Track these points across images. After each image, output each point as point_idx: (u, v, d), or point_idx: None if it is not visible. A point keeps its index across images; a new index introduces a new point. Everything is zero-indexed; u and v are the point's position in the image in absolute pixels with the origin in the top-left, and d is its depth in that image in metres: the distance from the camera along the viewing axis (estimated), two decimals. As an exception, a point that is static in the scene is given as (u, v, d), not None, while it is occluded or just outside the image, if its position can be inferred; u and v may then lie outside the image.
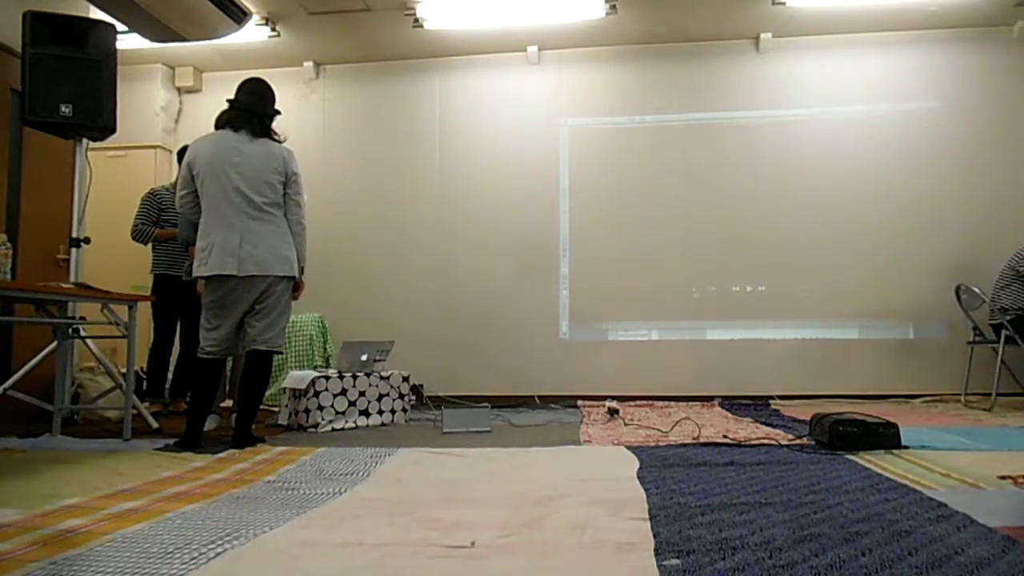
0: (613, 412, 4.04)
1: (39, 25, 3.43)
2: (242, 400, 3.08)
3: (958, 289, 4.64)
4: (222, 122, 3.08)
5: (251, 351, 3.05)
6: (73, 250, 3.66)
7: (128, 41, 4.61)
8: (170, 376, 4.27)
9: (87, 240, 3.72)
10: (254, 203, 2.99)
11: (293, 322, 4.98)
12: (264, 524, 1.75)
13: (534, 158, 5.35)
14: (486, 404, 3.96)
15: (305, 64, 5.50)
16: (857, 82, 5.13)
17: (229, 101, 3.08)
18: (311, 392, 3.73)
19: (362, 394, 3.87)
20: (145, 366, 4.25)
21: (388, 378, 4.01)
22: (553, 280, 5.28)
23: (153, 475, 2.42)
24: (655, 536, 1.60)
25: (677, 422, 3.65)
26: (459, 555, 1.51)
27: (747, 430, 3.42)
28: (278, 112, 3.16)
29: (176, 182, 4.06)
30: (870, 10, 4.82)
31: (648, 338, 5.20)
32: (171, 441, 3.09)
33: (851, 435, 2.78)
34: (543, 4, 4.75)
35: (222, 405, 3.74)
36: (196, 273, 3.00)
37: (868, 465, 2.46)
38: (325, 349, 5.04)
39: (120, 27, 3.82)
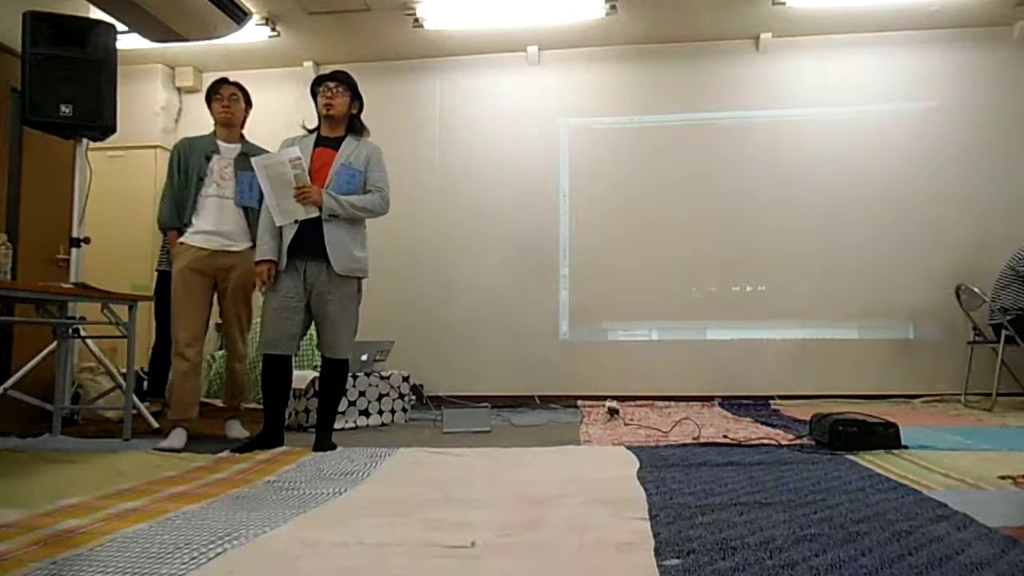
0: (613, 412, 4.04)
1: (39, 25, 3.43)
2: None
3: (958, 289, 4.64)
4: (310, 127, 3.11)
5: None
6: (73, 250, 3.65)
7: (128, 41, 4.60)
8: (171, 376, 4.26)
9: (87, 240, 3.71)
10: None
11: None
12: (264, 524, 1.75)
13: (534, 158, 5.34)
14: (486, 404, 3.96)
15: (305, 64, 5.49)
16: (857, 82, 5.13)
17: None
18: (311, 392, 3.73)
19: (362, 394, 3.87)
20: (146, 366, 4.25)
21: (388, 378, 4.01)
22: (553, 280, 5.28)
23: (153, 475, 2.42)
24: (655, 536, 1.60)
25: (677, 422, 3.65)
26: (459, 555, 1.51)
27: (747, 430, 3.42)
28: None
29: None
30: (870, 10, 4.82)
31: (648, 338, 5.20)
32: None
33: (851, 435, 2.78)
34: (543, 4, 4.74)
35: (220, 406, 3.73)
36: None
37: (868, 465, 2.46)
38: (325, 349, 5.03)
39: (120, 27, 3.81)
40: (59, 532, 1.67)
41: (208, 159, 3.21)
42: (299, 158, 2.85)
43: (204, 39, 4.60)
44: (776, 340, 5.05)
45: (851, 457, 2.61)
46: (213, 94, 3.28)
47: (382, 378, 3.97)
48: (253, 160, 2.92)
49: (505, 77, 5.45)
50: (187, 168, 3.21)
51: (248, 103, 3.36)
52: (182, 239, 3.20)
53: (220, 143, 3.26)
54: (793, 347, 5.03)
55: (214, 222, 3.19)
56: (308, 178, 2.87)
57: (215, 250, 3.18)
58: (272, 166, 2.85)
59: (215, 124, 3.32)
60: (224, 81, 3.31)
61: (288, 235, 2.93)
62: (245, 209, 3.23)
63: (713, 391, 4.92)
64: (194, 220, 3.19)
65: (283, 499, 2.05)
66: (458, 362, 5.24)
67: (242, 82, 3.37)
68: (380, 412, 3.94)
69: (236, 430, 3.36)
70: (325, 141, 3.03)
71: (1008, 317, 4.28)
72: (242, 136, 3.34)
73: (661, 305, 5.16)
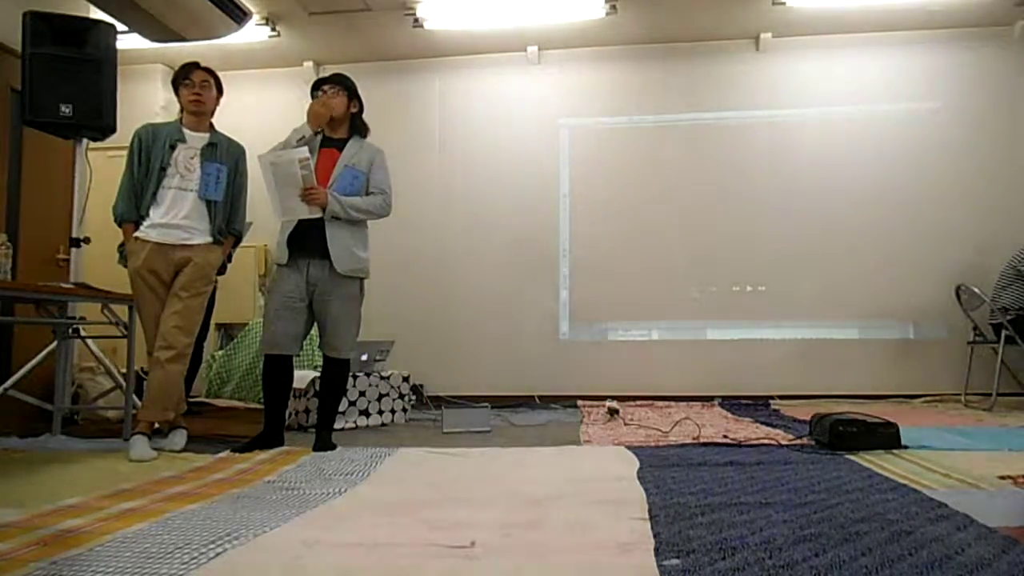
0: (613, 412, 4.04)
1: (39, 25, 3.43)
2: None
3: (958, 289, 4.64)
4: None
5: None
6: (73, 250, 3.65)
7: (128, 41, 4.60)
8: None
9: (87, 240, 3.71)
10: None
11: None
12: (264, 524, 1.75)
13: (534, 158, 5.34)
14: (486, 404, 3.95)
15: (305, 64, 5.48)
16: (857, 82, 5.13)
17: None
18: (311, 392, 3.73)
19: (362, 394, 3.87)
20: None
21: (388, 378, 4.01)
22: (553, 280, 5.28)
23: (153, 475, 2.42)
24: (655, 536, 1.60)
25: (677, 422, 3.65)
26: (459, 555, 1.51)
27: (747, 430, 3.42)
28: None
29: None
30: (870, 10, 4.81)
31: (648, 338, 5.20)
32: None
33: (851, 435, 2.78)
34: (543, 4, 4.74)
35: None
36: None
37: (868, 465, 2.46)
38: (325, 349, 5.03)
39: (120, 27, 3.81)
40: (59, 532, 1.67)
41: (173, 148, 2.96)
42: (308, 158, 2.86)
43: (204, 39, 4.59)
44: (776, 340, 5.05)
45: (851, 457, 2.61)
46: (182, 79, 3.01)
47: (382, 378, 3.97)
48: (260, 156, 2.89)
49: (505, 77, 5.45)
50: (149, 157, 2.96)
51: (220, 91, 3.11)
52: (137, 233, 2.93)
53: (187, 131, 3.01)
54: (793, 347, 5.03)
55: (173, 215, 2.93)
56: (315, 179, 2.88)
57: (172, 244, 2.92)
58: (281, 164, 2.85)
59: (182, 111, 3.06)
60: (195, 66, 3.04)
61: (287, 229, 2.96)
62: (208, 203, 2.99)
63: (713, 391, 4.92)
64: (151, 212, 2.93)
65: (283, 499, 2.05)
66: (458, 362, 5.24)
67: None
68: (380, 412, 3.94)
69: (176, 443, 3.02)
70: (329, 142, 3.06)
71: (1008, 317, 4.28)
72: (211, 126, 3.10)
73: (661, 305, 5.16)
